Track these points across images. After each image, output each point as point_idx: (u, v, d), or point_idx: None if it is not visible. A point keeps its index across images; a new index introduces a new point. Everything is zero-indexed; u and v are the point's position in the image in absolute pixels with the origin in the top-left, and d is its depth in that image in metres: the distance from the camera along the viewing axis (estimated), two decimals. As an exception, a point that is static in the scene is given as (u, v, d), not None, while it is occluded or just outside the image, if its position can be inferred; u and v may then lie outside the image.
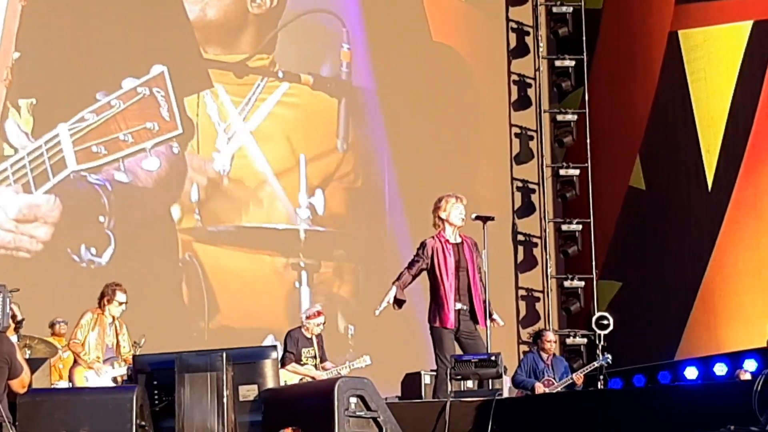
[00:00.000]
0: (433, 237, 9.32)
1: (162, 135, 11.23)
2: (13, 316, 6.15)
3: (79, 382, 10.36)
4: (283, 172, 11.23)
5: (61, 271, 11.85)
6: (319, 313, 11.66)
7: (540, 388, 11.67)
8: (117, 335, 10.60)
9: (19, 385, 6.07)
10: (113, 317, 10.60)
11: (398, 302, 9.24)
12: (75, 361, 10.62)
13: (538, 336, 12.47)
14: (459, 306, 9.18)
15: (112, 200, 11.50)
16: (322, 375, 11.31)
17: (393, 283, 9.30)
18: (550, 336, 12.49)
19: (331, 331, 12.20)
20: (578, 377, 12.09)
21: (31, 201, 11.17)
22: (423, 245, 9.30)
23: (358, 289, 11.73)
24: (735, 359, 13.78)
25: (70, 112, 11.48)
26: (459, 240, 9.33)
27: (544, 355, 12.16)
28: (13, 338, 6.12)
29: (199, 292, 11.39)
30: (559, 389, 11.76)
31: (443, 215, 9.32)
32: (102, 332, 10.52)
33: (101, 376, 10.34)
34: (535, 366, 12.07)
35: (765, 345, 7.72)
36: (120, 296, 10.59)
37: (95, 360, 10.43)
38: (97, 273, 11.59)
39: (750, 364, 13.25)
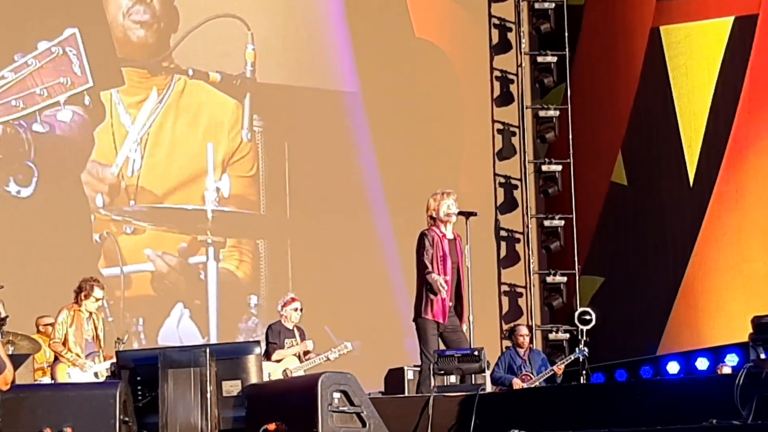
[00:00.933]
0: (429, 229, 9.34)
1: (74, 89, 11.95)
2: (-3, 313, 6.13)
3: (62, 378, 10.34)
4: (192, 159, 11.85)
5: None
6: (293, 300, 11.64)
7: (517, 384, 11.72)
8: (95, 329, 10.59)
9: (2, 382, 6.05)
10: (90, 312, 10.59)
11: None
12: (56, 359, 10.61)
13: (512, 332, 12.58)
14: (450, 303, 9.22)
15: (34, 146, 12.00)
16: (298, 372, 11.26)
17: (429, 274, 9.15)
18: (524, 330, 12.55)
19: (236, 303, 12.19)
20: (558, 368, 12.16)
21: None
22: (423, 235, 9.30)
23: (258, 264, 12.07)
24: (717, 354, 13.84)
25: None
26: (453, 237, 9.37)
27: (521, 350, 12.24)
28: (-3, 335, 6.12)
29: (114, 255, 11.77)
30: (539, 382, 11.81)
31: (433, 214, 9.36)
32: (80, 328, 10.50)
33: (87, 371, 10.33)
34: (512, 362, 12.13)
35: (747, 340, 7.73)
36: (97, 292, 10.58)
37: (77, 357, 10.41)
38: (20, 204, 11.98)
39: (731, 359, 13.31)
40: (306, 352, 11.59)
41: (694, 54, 15.32)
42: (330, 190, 13.81)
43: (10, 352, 9.63)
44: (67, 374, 10.39)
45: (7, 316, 6.31)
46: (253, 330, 11.57)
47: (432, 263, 9.20)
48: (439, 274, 9.15)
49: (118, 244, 11.60)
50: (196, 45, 12.46)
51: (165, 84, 12.08)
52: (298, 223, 12.48)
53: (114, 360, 8.97)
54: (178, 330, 11.30)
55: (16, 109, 11.74)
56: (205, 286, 11.62)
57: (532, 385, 11.67)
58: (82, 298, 10.55)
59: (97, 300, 10.57)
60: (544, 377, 11.92)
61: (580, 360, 12.57)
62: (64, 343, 10.46)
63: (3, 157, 12.04)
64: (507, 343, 15.07)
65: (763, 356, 7.31)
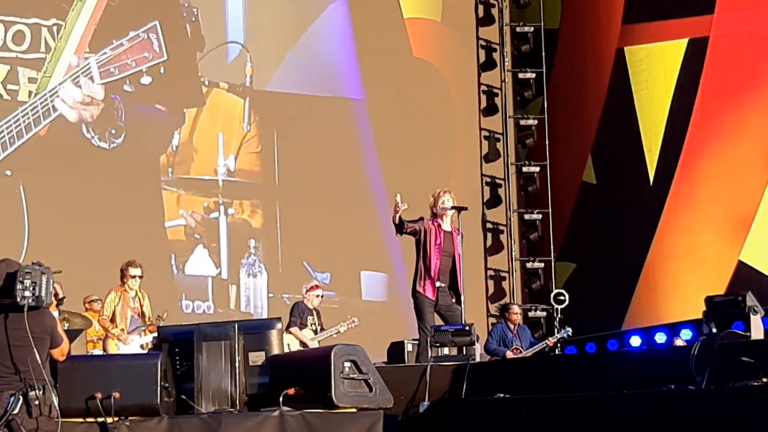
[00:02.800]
0: (428, 219, 9.40)
1: (154, 60, 13.22)
2: (56, 294, 6.13)
3: (112, 351, 10.34)
4: (208, 146, 13.51)
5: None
6: (316, 287, 11.83)
7: (510, 356, 11.69)
8: (141, 306, 10.56)
9: (59, 353, 6.07)
10: (135, 290, 10.55)
11: (398, 226, 9.24)
12: (106, 335, 10.61)
13: (505, 309, 12.50)
14: (439, 284, 9.25)
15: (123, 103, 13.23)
16: (314, 343, 11.39)
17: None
18: (516, 309, 12.52)
19: (240, 245, 13.51)
20: (550, 340, 12.20)
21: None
22: (420, 218, 9.37)
23: (256, 217, 13.68)
24: (673, 329, 13.80)
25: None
26: (449, 229, 9.39)
27: (511, 326, 12.19)
28: (55, 313, 6.12)
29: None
30: (530, 354, 11.79)
31: (435, 210, 9.42)
32: (125, 306, 10.47)
33: (128, 344, 10.33)
34: (504, 335, 12.08)
35: (700, 316, 7.73)
36: (133, 271, 10.50)
37: (121, 332, 10.39)
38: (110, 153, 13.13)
39: (685, 333, 13.28)
40: (322, 329, 11.70)
41: (654, 71, 15.30)
42: (319, 173, 14.51)
43: (66, 328, 9.63)
44: (116, 346, 10.39)
45: (64, 297, 6.33)
46: (252, 264, 13.13)
47: (408, 227, 9.29)
48: (429, 256, 9.22)
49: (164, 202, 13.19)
50: (211, 63, 13.91)
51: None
52: (286, 190, 13.90)
53: (156, 334, 8.99)
54: (200, 263, 12.99)
55: (112, 74, 13.04)
56: (218, 233, 13.15)
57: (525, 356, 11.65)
58: (124, 280, 10.53)
59: (134, 277, 10.48)
60: (537, 350, 11.91)
61: (566, 337, 12.56)
62: (112, 320, 10.44)
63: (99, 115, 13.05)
64: (492, 320, 15.08)
65: (714, 330, 7.32)
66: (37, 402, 5.77)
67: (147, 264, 10.84)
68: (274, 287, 13.38)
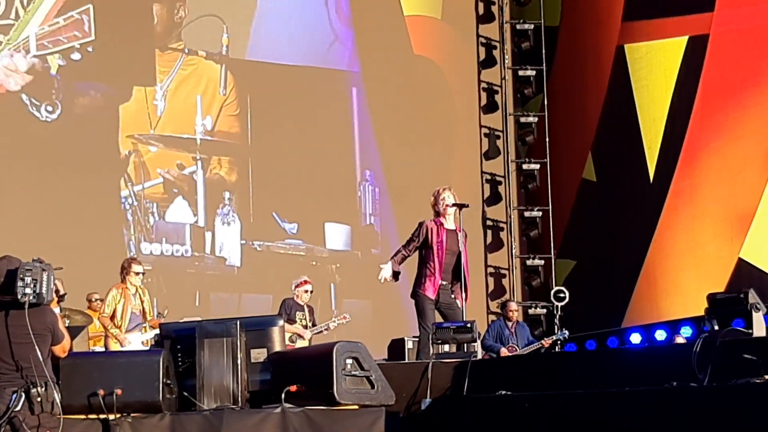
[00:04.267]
0: (431, 220, 9.38)
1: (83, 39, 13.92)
2: (57, 291, 6.14)
3: (113, 348, 10.30)
4: (188, 109, 14.36)
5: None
6: (305, 282, 11.73)
7: (504, 353, 11.70)
8: (142, 303, 10.51)
9: (60, 350, 6.06)
10: (136, 287, 10.51)
11: (395, 275, 9.29)
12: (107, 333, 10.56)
13: (503, 306, 12.54)
14: (441, 282, 9.22)
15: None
16: (306, 332, 11.40)
17: (390, 259, 9.35)
18: (514, 306, 12.54)
19: (215, 197, 14.38)
20: (546, 341, 12.19)
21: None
22: (420, 225, 9.34)
23: (232, 172, 14.59)
24: (673, 326, 13.82)
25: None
26: (453, 227, 9.37)
27: (509, 323, 12.20)
28: (56, 310, 6.11)
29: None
30: (526, 352, 11.79)
31: (437, 208, 9.39)
32: (126, 304, 10.41)
33: (126, 346, 10.24)
34: (501, 333, 12.09)
35: (701, 314, 7.73)
36: (135, 267, 10.49)
37: (119, 332, 10.27)
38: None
39: (686, 331, 13.29)
40: (314, 325, 11.69)
41: (654, 68, 15.30)
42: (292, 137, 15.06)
43: (67, 324, 9.61)
44: (118, 344, 10.36)
45: (65, 293, 6.33)
46: (226, 214, 14.20)
47: (410, 253, 9.31)
48: (432, 256, 9.20)
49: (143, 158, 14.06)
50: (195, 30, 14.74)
51: (176, 58, 14.41)
52: (258, 149, 14.79)
53: (158, 330, 8.97)
54: (178, 212, 13.97)
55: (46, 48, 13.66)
56: (196, 186, 14.17)
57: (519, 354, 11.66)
58: (125, 276, 10.47)
59: (137, 274, 10.46)
60: (531, 349, 11.91)
61: (562, 340, 12.56)
62: (112, 318, 10.39)
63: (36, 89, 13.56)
64: (493, 317, 15.10)
65: (716, 328, 7.32)
66: (39, 399, 5.77)
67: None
68: (247, 235, 14.25)
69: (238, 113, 14.51)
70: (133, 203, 13.57)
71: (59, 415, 5.89)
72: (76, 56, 13.64)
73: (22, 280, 5.76)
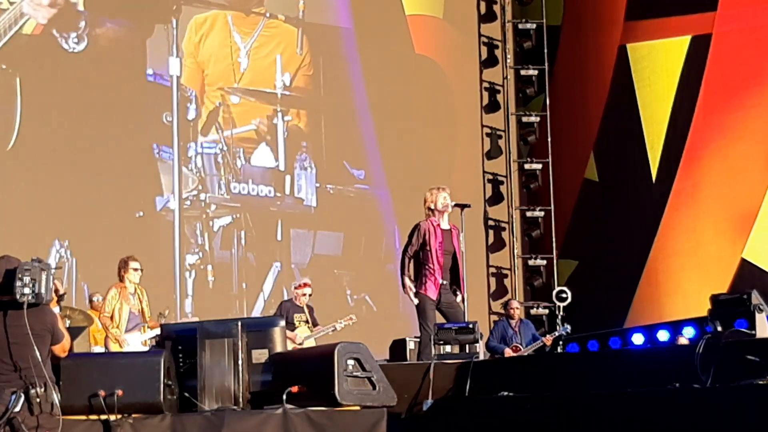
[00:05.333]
0: (425, 221, 9.34)
1: None
2: (56, 291, 6.10)
3: (113, 348, 10.26)
4: (268, 66, 15.34)
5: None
6: (305, 285, 11.71)
7: (509, 353, 11.68)
8: (141, 302, 10.44)
9: (60, 350, 6.04)
10: (134, 285, 10.41)
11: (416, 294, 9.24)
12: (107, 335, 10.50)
13: (505, 305, 12.54)
14: (442, 282, 9.20)
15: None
16: (298, 336, 11.34)
17: (403, 275, 9.26)
18: (515, 304, 12.52)
19: (294, 145, 15.33)
20: (547, 339, 12.15)
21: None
22: (417, 228, 9.30)
23: (308, 122, 15.57)
24: (675, 327, 13.77)
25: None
26: (448, 227, 9.35)
27: (512, 322, 12.18)
28: (56, 309, 6.09)
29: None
30: (530, 351, 11.77)
31: (431, 206, 9.34)
32: (125, 303, 10.29)
33: (123, 348, 10.14)
34: (505, 333, 12.07)
35: (703, 314, 7.72)
36: (133, 264, 10.34)
37: (119, 333, 10.19)
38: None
39: (688, 331, 13.25)
40: (315, 324, 11.65)
41: (657, 68, 15.29)
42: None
43: (68, 325, 9.58)
44: (117, 345, 10.31)
45: (64, 293, 6.30)
46: (303, 160, 15.32)
47: (412, 258, 9.25)
48: (431, 258, 9.16)
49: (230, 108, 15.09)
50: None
51: (257, 21, 15.40)
52: (330, 102, 15.73)
53: (158, 330, 8.93)
54: (262, 156, 15.13)
55: None
56: (277, 134, 15.23)
57: (523, 355, 11.64)
58: (123, 274, 10.32)
59: (135, 270, 10.32)
60: (534, 348, 11.89)
61: (564, 335, 12.54)
62: (112, 317, 10.33)
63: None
64: (495, 317, 15.09)
65: (719, 329, 7.30)
66: (38, 399, 5.74)
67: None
68: (321, 179, 15.32)
69: (312, 73, 15.57)
70: (223, 148, 14.74)
71: (59, 415, 5.86)
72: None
73: (21, 280, 5.74)
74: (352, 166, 15.61)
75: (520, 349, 11.80)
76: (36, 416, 5.76)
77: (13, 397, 5.75)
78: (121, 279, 10.37)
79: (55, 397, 5.81)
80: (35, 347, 5.75)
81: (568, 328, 12.44)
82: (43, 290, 5.79)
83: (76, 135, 13.60)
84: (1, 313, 5.81)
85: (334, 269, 15.04)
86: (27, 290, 5.74)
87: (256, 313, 14.20)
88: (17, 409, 5.74)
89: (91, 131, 13.68)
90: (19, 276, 5.74)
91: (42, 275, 5.79)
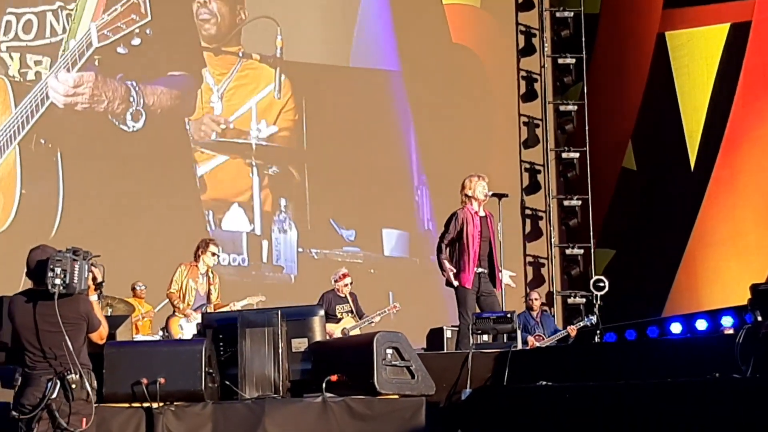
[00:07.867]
0: (462, 209, 9.35)
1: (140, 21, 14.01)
2: (94, 279, 6.14)
3: (175, 331, 10.28)
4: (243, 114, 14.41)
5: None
6: (344, 275, 11.75)
7: (531, 341, 11.66)
8: (209, 284, 10.49)
9: (97, 337, 6.08)
10: (208, 267, 10.48)
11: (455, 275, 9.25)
12: (173, 312, 10.47)
13: (525, 297, 12.54)
14: (480, 270, 9.21)
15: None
16: (336, 329, 11.32)
17: (442, 258, 9.25)
18: (534, 295, 12.52)
19: (273, 200, 14.34)
20: (572, 329, 12.12)
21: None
22: (454, 216, 9.31)
23: (285, 176, 14.59)
24: (714, 316, 13.75)
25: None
26: (484, 214, 9.36)
27: (534, 313, 12.18)
28: (93, 297, 6.13)
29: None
30: (553, 341, 11.76)
31: (469, 193, 9.33)
32: (193, 281, 10.36)
33: (191, 322, 10.23)
34: (527, 323, 12.05)
35: (742, 303, 7.68)
36: (213, 248, 10.48)
37: (186, 306, 10.33)
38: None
39: (727, 320, 13.20)
40: (359, 313, 11.68)
41: (695, 56, 15.19)
42: (345, 142, 15.10)
43: (109, 314, 9.68)
44: (179, 326, 10.33)
45: (102, 281, 6.35)
46: (282, 221, 14.20)
47: (449, 245, 9.23)
48: (467, 246, 9.16)
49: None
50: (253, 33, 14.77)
51: (234, 61, 14.51)
52: (314, 155, 14.77)
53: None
54: (235, 219, 14.02)
55: (107, 37, 13.80)
56: (251, 192, 14.19)
57: (545, 344, 11.61)
58: (200, 254, 10.39)
59: (214, 255, 10.45)
60: (558, 338, 11.87)
61: (589, 326, 12.50)
62: (178, 294, 10.32)
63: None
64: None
65: (759, 319, 7.27)
66: (74, 386, 5.82)
67: (185, 224, 11.59)
68: (304, 243, 14.22)
69: (296, 119, 14.59)
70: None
71: (94, 402, 5.94)
72: (136, 41, 13.81)
73: (52, 270, 5.80)
74: (340, 226, 14.50)
75: (543, 338, 11.79)
76: (72, 402, 5.84)
77: (50, 384, 5.83)
78: (196, 258, 10.42)
79: (88, 385, 5.87)
80: (66, 336, 5.82)
81: (593, 318, 12.40)
82: (75, 280, 5.84)
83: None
84: (36, 303, 5.89)
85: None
86: (58, 281, 5.81)
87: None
88: (54, 395, 5.83)
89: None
90: (51, 267, 5.81)
91: (75, 266, 5.85)
